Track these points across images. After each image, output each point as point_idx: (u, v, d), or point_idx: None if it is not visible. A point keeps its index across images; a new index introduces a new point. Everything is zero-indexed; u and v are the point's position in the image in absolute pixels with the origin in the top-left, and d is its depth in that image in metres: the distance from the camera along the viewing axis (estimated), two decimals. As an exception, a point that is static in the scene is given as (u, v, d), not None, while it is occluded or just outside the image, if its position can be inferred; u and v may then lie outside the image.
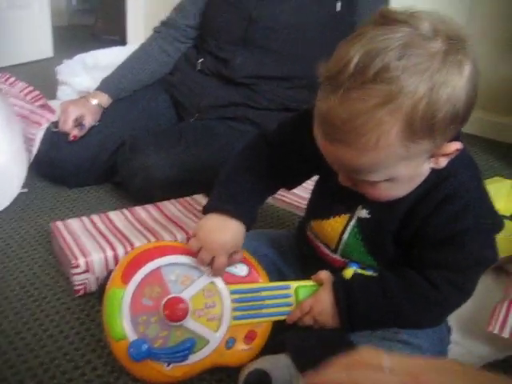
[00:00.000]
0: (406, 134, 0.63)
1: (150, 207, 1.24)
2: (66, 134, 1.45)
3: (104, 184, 1.52)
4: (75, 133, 1.44)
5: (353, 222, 0.80)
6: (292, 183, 0.94)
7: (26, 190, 1.45)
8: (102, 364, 0.88)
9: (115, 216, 1.20)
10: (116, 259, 1.05)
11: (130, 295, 0.81)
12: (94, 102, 1.48)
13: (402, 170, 0.68)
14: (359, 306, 0.78)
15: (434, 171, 0.72)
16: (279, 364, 0.78)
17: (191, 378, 0.83)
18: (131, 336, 0.79)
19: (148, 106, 1.57)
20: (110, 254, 1.05)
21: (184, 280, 0.83)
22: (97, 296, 1.02)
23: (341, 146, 0.65)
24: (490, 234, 0.76)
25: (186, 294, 0.82)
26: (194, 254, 0.82)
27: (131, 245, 1.07)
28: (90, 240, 1.09)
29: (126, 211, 1.22)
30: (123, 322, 0.79)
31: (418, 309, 0.76)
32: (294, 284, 0.84)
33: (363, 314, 0.78)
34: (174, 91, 1.58)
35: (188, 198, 1.29)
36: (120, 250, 1.06)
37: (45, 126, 1.48)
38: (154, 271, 0.82)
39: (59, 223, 1.16)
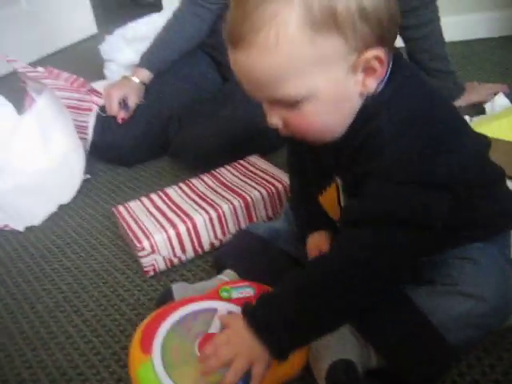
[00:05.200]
0: (306, 24, 0.58)
1: (205, 177, 1.25)
2: (115, 117, 1.47)
3: (161, 157, 1.55)
4: (122, 115, 1.47)
5: (341, 184, 0.79)
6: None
7: (88, 176, 1.50)
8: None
9: (173, 191, 1.22)
10: (178, 236, 1.07)
11: (159, 360, 0.75)
12: (136, 80, 1.49)
13: (319, 80, 0.62)
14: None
15: (364, 111, 0.66)
16: None
17: None
18: None
19: (191, 73, 1.57)
20: (171, 232, 1.07)
21: (204, 321, 0.80)
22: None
23: (243, 49, 0.62)
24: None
25: (213, 329, 0.78)
26: (193, 300, 0.83)
27: (191, 220, 1.08)
28: (151, 220, 1.11)
29: (182, 185, 1.24)
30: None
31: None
32: None
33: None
34: (214, 53, 1.56)
35: (242, 161, 1.29)
36: (181, 228, 1.07)
37: (95, 111, 1.51)
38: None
39: (121, 207, 1.19)
